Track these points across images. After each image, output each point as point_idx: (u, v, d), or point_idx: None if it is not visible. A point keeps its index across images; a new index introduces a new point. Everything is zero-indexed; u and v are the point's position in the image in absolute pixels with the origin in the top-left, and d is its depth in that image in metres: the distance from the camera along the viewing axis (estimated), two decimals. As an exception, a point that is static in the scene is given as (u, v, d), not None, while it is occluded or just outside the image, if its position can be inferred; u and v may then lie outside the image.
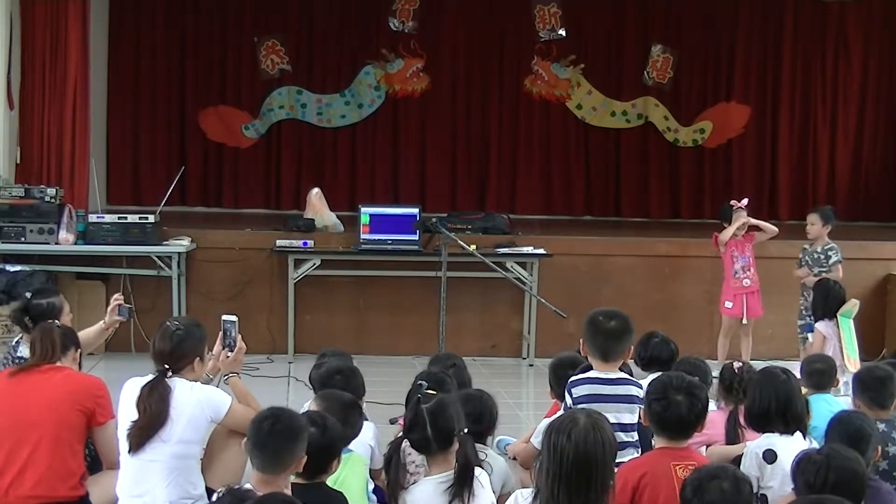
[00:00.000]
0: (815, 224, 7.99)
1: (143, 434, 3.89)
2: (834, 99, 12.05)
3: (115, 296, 5.24)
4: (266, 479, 3.29)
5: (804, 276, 7.90)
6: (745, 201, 8.11)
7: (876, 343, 8.72)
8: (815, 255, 7.99)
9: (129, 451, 3.90)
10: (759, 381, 4.35)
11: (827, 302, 6.99)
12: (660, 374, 4.09)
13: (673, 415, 3.65)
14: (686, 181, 12.02)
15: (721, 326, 8.21)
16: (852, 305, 7.05)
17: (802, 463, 3.44)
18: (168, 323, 4.19)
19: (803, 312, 7.90)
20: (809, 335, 7.52)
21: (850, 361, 6.76)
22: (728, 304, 8.05)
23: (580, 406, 3.97)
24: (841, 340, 6.82)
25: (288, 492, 3.33)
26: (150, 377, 4.03)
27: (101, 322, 5.14)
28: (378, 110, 11.70)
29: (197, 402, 3.99)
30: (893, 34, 12.04)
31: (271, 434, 3.30)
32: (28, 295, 4.86)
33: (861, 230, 10.52)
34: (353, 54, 11.59)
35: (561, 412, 4.12)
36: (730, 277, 8.05)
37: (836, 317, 6.90)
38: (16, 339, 4.90)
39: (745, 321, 8.01)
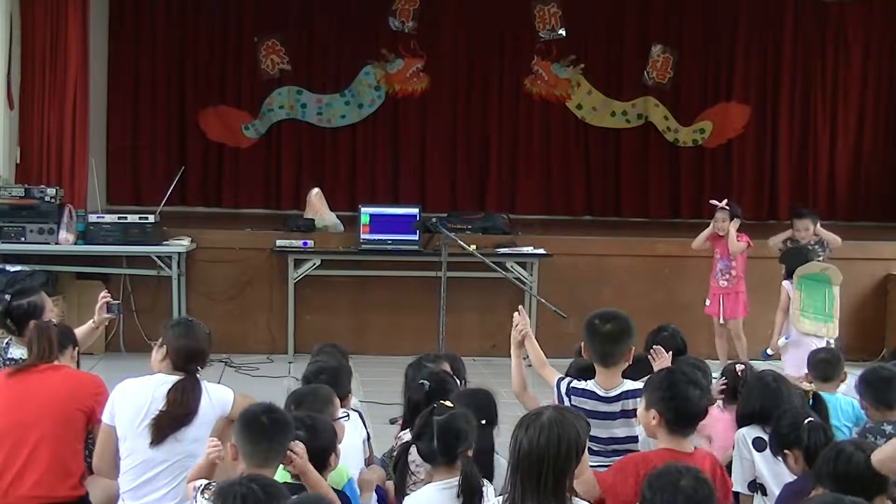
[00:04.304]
0: (808, 229, 8.03)
1: (172, 425, 3.87)
2: (834, 99, 12.05)
3: (102, 293, 5.11)
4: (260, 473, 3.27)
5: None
6: (724, 201, 8.17)
7: (876, 343, 8.73)
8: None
9: (151, 444, 3.86)
10: (750, 384, 4.38)
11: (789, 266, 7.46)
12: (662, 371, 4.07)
13: (685, 407, 3.58)
14: (686, 181, 12.01)
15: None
16: (821, 269, 7.28)
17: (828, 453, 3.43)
18: (194, 321, 4.15)
19: None
20: None
21: (798, 321, 7.12)
22: (707, 303, 8.12)
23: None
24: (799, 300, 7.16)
25: None
26: (165, 377, 3.99)
27: (91, 321, 5.07)
28: (378, 110, 11.69)
29: (209, 401, 3.99)
30: (893, 34, 12.04)
31: (272, 426, 3.33)
32: (8, 297, 4.81)
33: (861, 230, 10.51)
34: (353, 54, 11.58)
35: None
36: (711, 278, 8.16)
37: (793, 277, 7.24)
38: (6, 341, 4.87)
39: (721, 321, 8.03)
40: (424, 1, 11.55)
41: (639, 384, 4.11)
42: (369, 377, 7.27)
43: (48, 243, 7.94)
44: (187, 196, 11.21)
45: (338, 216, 9.12)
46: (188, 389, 3.93)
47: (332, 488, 3.59)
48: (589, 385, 4.09)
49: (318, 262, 8.44)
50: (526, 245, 8.70)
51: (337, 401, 4.11)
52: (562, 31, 11.74)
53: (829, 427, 3.96)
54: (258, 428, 3.33)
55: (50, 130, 8.71)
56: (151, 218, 8.24)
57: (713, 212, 8.17)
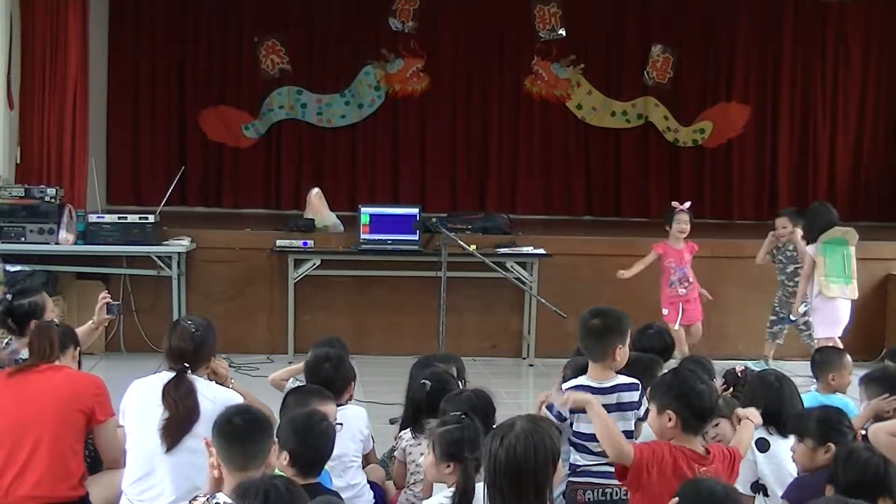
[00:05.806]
0: (786, 227, 8.14)
1: (181, 429, 3.88)
2: (834, 99, 12.05)
3: (102, 294, 5.17)
4: (243, 477, 3.24)
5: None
6: (687, 204, 8.19)
7: (876, 343, 8.72)
8: (789, 254, 8.19)
9: (166, 451, 3.87)
10: (753, 385, 4.38)
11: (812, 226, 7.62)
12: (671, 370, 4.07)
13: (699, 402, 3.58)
14: (686, 181, 12.00)
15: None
16: (842, 234, 7.42)
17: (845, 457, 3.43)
18: (185, 322, 4.17)
19: (776, 308, 8.27)
20: (785, 327, 8.22)
21: (826, 286, 7.25)
22: (664, 312, 8.10)
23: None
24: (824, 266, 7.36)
25: None
26: (168, 375, 4.00)
27: (91, 322, 5.09)
28: (378, 110, 11.69)
29: (213, 400, 3.98)
30: (893, 34, 12.04)
31: (245, 427, 3.32)
32: (9, 297, 4.82)
33: (861, 230, 10.39)
34: (353, 54, 11.58)
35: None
36: (665, 286, 8.12)
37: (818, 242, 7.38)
38: (6, 341, 4.87)
39: (677, 327, 7.99)
40: (424, 1, 11.55)
41: (633, 379, 4.13)
42: (369, 377, 7.27)
43: (48, 243, 7.94)
44: (187, 196, 11.21)
45: (338, 216, 9.12)
46: (172, 388, 3.94)
47: (325, 488, 3.59)
48: (581, 380, 4.11)
49: (318, 262, 8.44)
50: (526, 245, 8.70)
51: (332, 406, 4.09)
52: (562, 31, 11.73)
53: None
54: (231, 430, 3.32)
55: (50, 130, 8.71)
56: (151, 218, 8.24)
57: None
